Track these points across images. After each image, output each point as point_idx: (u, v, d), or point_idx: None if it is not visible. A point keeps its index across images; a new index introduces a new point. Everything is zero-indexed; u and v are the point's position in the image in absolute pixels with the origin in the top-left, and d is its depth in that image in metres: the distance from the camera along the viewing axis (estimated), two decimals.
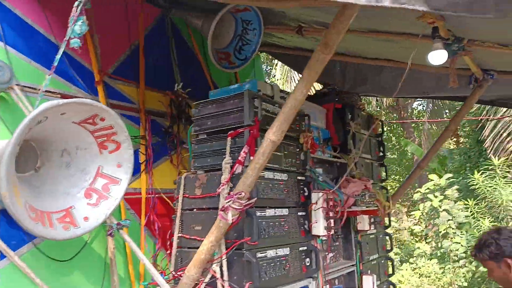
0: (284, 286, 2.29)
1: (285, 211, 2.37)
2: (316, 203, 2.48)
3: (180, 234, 2.36)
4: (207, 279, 2.09)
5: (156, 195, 3.02)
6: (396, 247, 9.98)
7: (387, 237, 3.64)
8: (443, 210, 8.00)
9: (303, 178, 2.57)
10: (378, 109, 13.68)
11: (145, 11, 3.45)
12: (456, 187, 8.57)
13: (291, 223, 2.41)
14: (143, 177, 3.11)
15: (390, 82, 4.09)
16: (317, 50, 1.72)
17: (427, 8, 1.14)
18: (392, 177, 15.64)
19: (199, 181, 2.32)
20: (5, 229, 2.17)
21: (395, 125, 17.18)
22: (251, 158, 2.14)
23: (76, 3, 1.98)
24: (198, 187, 2.32)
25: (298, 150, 2.58)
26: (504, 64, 3.18)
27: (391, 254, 3.66)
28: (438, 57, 2.29)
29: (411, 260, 9.52)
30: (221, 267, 2.08)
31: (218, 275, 2.05)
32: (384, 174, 3.70)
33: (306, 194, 2.55)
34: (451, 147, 13.79)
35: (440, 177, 8.72)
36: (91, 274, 2.59)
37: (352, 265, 3.05)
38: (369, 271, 3.05)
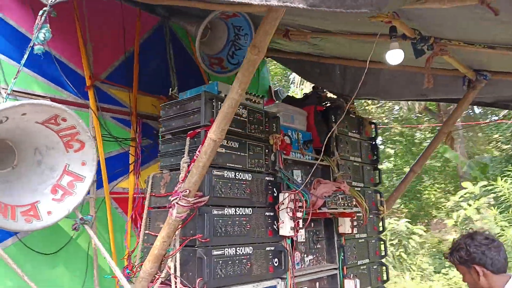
0: (246, 285, 2.30)
1: (248, 211, 2.39)
2: (283, 203, 2.47)
3: (147, 231, 2.44)
4: (163, 274, 2.15)
5: (141, 195, 3.13)
6: (428, 256, 9.59)
7: (381, 242, 3.54)
8: (477, 220, 7.65)
9: (271, 178, 2.58)
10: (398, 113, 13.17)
11: (142, 20, 3.60)
12: (492, 195, 8.16)
13: (256, 222, 2.42)
14: (131, 178, 3.25)
15: (388, 84, 4.02)
16: (248, 52, 1.75)
17: (304, 5, 1.15)
18: (435, 185, 15.07)
19: (164, 180, 2.40)
20: None
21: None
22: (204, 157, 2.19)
23: (40, 12, 2.13)
24: (163, 186, 2.39)
25: (267, 151, 2.60)
26: (498, 64, 3.04)
27: (388, 260, 3.54)
28: (395, 56, 2.24)
29: (443, 271, 9.14)
30: (175, 263, 2.14)
31: (171, 270, 2.11)
32: (377, 178, 3.60)
33: (275, 194, 2.56)
34: (495, 153, 13.13)
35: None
36: (75, 267, 2.72)
37: (335, 269, 2.99)
38: (351, 275, 2.98)
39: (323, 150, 3.12)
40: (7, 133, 2.14)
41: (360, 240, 3.29)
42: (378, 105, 13.23)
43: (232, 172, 2.34)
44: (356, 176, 3.36)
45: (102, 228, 2.98)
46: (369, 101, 12.51)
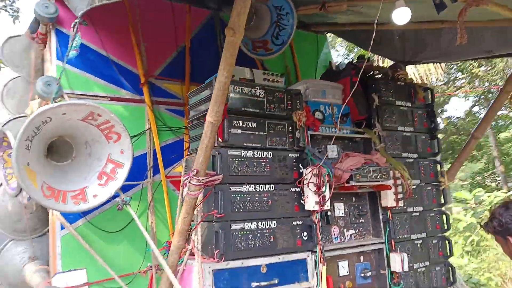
0: (271, 257, 2.41)
1: (270, 187, 2.48)
2: (306, 178, 2.50)
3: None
4: (190, 247, 2.37)
5: None
6: None
7: (444, 216, 3.30)
8: None
9: (296, 155, 2.62)
10: None
11: (192, 15, 3.86)
12: None
13: (279, 198, 2.50)
14: None
15: (450, 45, 3.67)
16: (226, 35, 1.83)
17: None
18: None
19: (193, 162, 2.61)
20: None
21: None
22: (219, 139, 2.34)
23: (72, 24, 2.47)
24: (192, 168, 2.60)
25: (291, 128, 2.64)
26: None
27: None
28: (401, 15, 2.08)
29: None
30: (198, 237, 2.34)
31: (194, 243, 2.32)
32: (436, 147, 3.35)
33: (300, 170, 2.59)
34: None
35: None
36: (136, 242, 3.10)
37: (381, 243, 2.91)
38: (398, 250, 2.87)
39: (364, 123, 3.05)
40: (59, 131, 2.55)
41: (414, 214, 3.12)
42: (487, 66, 11.79)
43: (250, 151, 2.45)
44: (407, 147, 3.18)
45: (161, 207, 3.33)
46: (475, 63, 11.27)
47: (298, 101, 2.68)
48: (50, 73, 3.15)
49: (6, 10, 10.68)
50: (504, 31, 3.13)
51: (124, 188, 3.14)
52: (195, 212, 2.38)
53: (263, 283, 2.32)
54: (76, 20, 2.51)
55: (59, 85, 2.94)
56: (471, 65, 13.40)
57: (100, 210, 3.02)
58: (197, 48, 3.86)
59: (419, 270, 3.07)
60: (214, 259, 2.22)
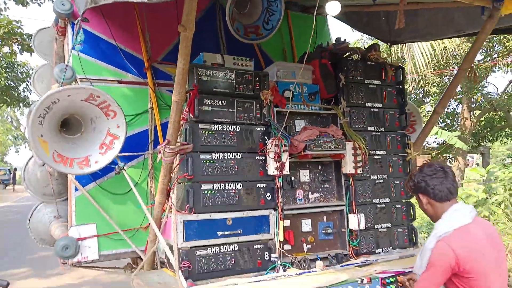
0: (236, 212, 2.90)
1: (236, 155, 2.96)
2: (268, 148, 2.95)
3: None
4: (169, 203, 2.91)
5: None
6: None
7: None
8: None
9: (263, 129, 3.07)
10: None
11: None
12: None
13: (245, 164, 2.98)
14: None
15: (427, 25, 3.93)
16: (180, 31, 2.29)
17: None
18: None
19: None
20: None
21: None
22: (191, 115, 2.83)
23: (76, 21, 3.00)
24: None
25: (258, 106, 3.08)
26: None
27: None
28: (332, 7, 2.45)
29: None
30: (174, 195, 2.87)
31: (172, 200, 2.85)
32: (404, 121, 3.66)
33: (266, 142, 3.04)
34: None
35: None
36: (138, 203, 3.67)
37: (342, 205, 3.33)
38: (357, 211, 3.27)
39: (333, 100, 3.44)
40: (69, 110, 3.12)
41: (377, 181, 3.50)
42: None
43: (219, 125, 2.92)
44: (374, 121, 3.53)
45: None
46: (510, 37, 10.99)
47: (265, 82, 3.11)
48: (68, 61, 3.73)
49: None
50: (471, 12, 3.36)
51: (129, 158, 3.75)
52: (173, 174, 2.90)
53: (227, 232, 2.82)
54: (78, 19, 3.04)
55: (73, 71, 3.50)
56: (506, 39, 13.06)
57: (108, 176, 3.62)
58: (199, 34, 4.31)
59: (380, 230, 3.46)
60: (185, 211, 2.74)
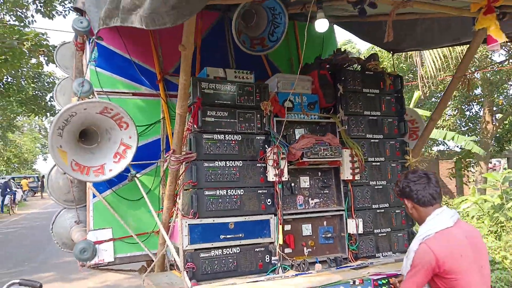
0: (238, 217, 3.09)
1: (238, 163, 3.16)
2: (267, 155, 3.14)
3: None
4: (176, 208, 3.13)
5: None
6: None
7: None
8: None
9: (263, 137, 3.26)
10: None
11: (203, 17, 4.55)
12: None
13: (246, 171, 3.17)
14: None
15: (425, 34, 4.05)
16: (180, 50, 2.51)
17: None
18: None
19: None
20: None
21: None
22: (195, 126, 3.05)
23: (90, 40, 3.27)
24: None
25: (259, 116, 3.27)
26: None
27: None
28: (321, 25, 2.63)
29: None
30: (180, 201, 3.09)
31: (178, 205, 3.07)
32: (403, 128, 3.78)
33: (266, 149, 3.23)
34: None
35: None
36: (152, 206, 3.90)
37: (341, 210, 3.48)
38: (355, 216, 3.41)
39: (332, 109, 3.60)
40: (87, 122, 3.39)
41: (376, 187, 3.63)
42: None
43: (222, 135, 3.13)
44: (372, 129, 3.67)
45: None
46: None
47: (265, 93, 3.30)
48: (86, 75, 4.01)
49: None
50: (466, 21, 3.47)
51: (143, 166, 3.99)
52: (180, 181, 3.12)
53: (229, 236, 3.02)
54: (92, 37, 3.31)
55: (90, 85, 3.76)
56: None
57: (123, 183, 3.87)
58: (208, 47, 4.55)
59: (379, 234, 3.58)
60: (189, 216, 2.95)
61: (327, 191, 3.54)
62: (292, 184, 3.36)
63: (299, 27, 5.21)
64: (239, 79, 3.33)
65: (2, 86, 15.84)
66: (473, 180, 17.59)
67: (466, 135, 21.94)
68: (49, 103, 17.25)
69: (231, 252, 3.03)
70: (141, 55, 4.24)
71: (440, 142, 22.09)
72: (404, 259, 2.46)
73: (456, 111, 20.84)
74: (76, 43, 4.23)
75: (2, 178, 31.46)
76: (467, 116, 21.69)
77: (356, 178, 3.42)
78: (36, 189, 35.88)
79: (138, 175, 3.86)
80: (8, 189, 22.77)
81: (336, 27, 5.39)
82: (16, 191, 24.63)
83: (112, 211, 3.75)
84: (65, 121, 3.16)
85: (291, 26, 4.98)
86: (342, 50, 3.97)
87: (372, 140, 3.67)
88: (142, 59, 4.25)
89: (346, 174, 3.40)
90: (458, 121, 21.42)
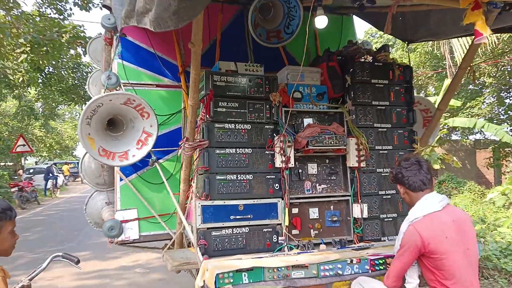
0: (247, 200, 3.35)
1: (248, 150, 3.40)
2: (275, 143, 3.37)
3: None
4: (190, 191, 3.42)
5: None
6: None
7: None
8: None
9: (272, 126, 3.49)
10: None
11: (224, 11, 4.78)
12: None
13: (255, 158, 3.41)
14: None
15: (438, 25, 4.12)
16: (190, 47, 2.75)
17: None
18: None
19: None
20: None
21: None
22: (207, 116, 3.31)
23: (115, 37, 3.58)
24: None
25: (268, 106, 3.50)
26: None
27: None
28: (320, 21, 2.80)
29: None
30: (195, 184, 3.38)
31: (192, 188, 3.36)
32: (411, 118, 3.89)
33: (274, 138, 3.46)
34: None
35: None
36: (173, 189, 4.21)
37: (347, 195, 3.67)
38: (361, 202, 3.59)
39: (341, 99, 3.77)
40: (113, 111, 3.73)
41: (383, 174, 3.78)
42: None
43: (232, 124, 3.38)
44: (381, 118, 3.81)
45: None
46: None
47: (274, 85, 3.52)
48: (113, 68, 4.34)
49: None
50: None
51: (166, 152, 4.30)
52: (194, 167, 3.41)
53: (238, 217, 3.28)
54: (117, 34, 3.62)
55: (117, 77, 4.08)
56: None
57: (147, 168, 4.20)
58: (228, 40, 4.78)
59: (385, 220, 3.75)
60: (202, 198, 3.23)
61: (335, 178, 3.73)
62: (300, 171, 3.57)
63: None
64: (249, 72, 3.55)
65: (44, 76, 16.77)
66: (511, 170, 17.10)
67: (506, 123, 21.24)
68: (87, 92, 18.04)
69: (240, 232, 3.30)
70: (164, 49, 4.52)
71: (477, 131, 21.51)
72: (396, 239, 2.65)
73: (494, 99, 20.17)
74: (105, 38, 4.55)
75: (45, 163, 33.23)
76: (507, 104, 20.95)
77: (362, 165, 3.59)
78: (77, 174, 37.56)
79: (161, 160, 4.20)
80: (50, 174, 24.06)
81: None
82: (58, 176, 25.97)
83: (137, 193, 4.09)
84: (92, 111, 3.50)
85: (310, 17, 5.12)
86: (354, 41, 4.10)
87: (380, 129, 3.81)
88: (165, 53, 4.53)
89: (352, 161, 3.57)
90: (496, 109, 20.75)
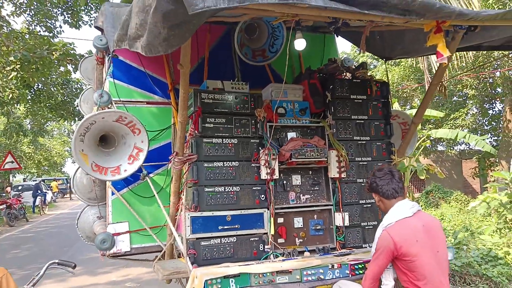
0: (234, 211, 3.53)
1: (234, 163, 3.59)
2: (260, 156, 3.57)
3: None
4: (180, 203, 3.59)
5: None
6: None
7: None
8: None
9: (257, 141, 3.69)
10: None
11: (211, 31, 5.01)
12: None
13: (242, 171, 3.60)
14: None
15: (411, 43, 4.38)
16: (179, 69, 2.96)
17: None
18: None
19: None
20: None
21: None
22: (196, 131, 3.50)
23: (107, 57, 3.78)
24: None
25: (253, 121, 3.70)
26: None
27: None
28: (300, 43, 3.03)
29: None
30: (184, 196, 3.55)
31: (182, 200, 3.53)
32: (388, 131, 4.13)
33: (260, 151, 3.66)
34: None
35: None
36: (164, 202, 4.35)
37: (330, 205, 3.87)
38: (341, 210, 3.80)
39: (322, 114, 4.00)
40: (105, 128, 3.90)
41: (363, 184, 3.99)
42: None
43: (220, 139, 3.58)
44: (360, 131, 4.05)
45: None
46: None
47: (259, 102, 3.73)
48: (105, 87, 4.52)
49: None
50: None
51: (156, 167, 4.47)
52: (183, 180, 3.58)
53: (226, 227, 3.46)
54: (109, 55, 3.82)
55: (109, 96, 4.26)
56: None
57: (138, 182, 4.36)
58: (216, 58, 5.00)
59: (366, 227, 3.95)
60: (191, 209, 3.41)
61: (318, 188, 3.94)
62: (285, 182, 3.77)
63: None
64: (235, 90, 3.77)
65: (33, 93, 16.84)
66: (495, 180, 17.50)
67: (489, 134, 21.77)
68: (77, 108, 18.14)
69: (228, 241, 3.47)
70: (154, 68, 4.72)
71: (461, 142, 22.02)
72: (373, 245, 2.85)
73: (478, 110, 20.72)
74: (97, 58, 4.75)
75: (33, 180, 32.94)
76: (490, 115, 21.52)
77: (342, 176, 3.81)
78: (65, 191, 37.31)
79: (151, 174, 4.37)
80: (39, 191, 23.90)
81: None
82: (46, 192, 25.79)
83: (128, 207, 4.24)
84: (86, 129, 3.68)
85: (293, 36, 5.37)
86: (333, 60, 4.35)
87: (359, 142, 4.04)
88: (155, 71, 4.74)
89: (333, 172, 3.78)
90: (480, 120, 21.30)
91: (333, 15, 2.54)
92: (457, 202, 16.24)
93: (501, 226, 7.85)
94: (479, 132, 20.63)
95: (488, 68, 15.28)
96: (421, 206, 15.53)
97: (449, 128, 16.85)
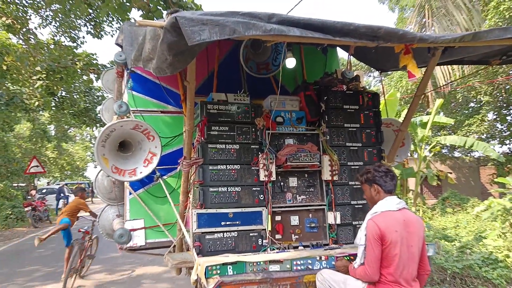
0: (236, 208, 3.97)
1: (236, 166, 4.05)
2: (259, 160, 4.01)
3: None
4: (188, 201, 4.06)
5: None
6: None
7: None
8: None
9: (257, 146, 4.13)
10: None
11: (220, 46, 5.49)
12: None
13: (243, 173, 4.05)
14: None
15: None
16: (186, 84, 3.43)
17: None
18: None
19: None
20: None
21: None
22: (202, 138, 3.97)
23: (125, 72, 4.30)
24: None
25: (254, 129, 4.15)
26: None
27: None
28: (290, 62, 3.47)
29: None
30: (192, 195, 4.02)
31: (189, 199, 3.99)
32: (379, 137, 4.51)
33: (259, 156, 4.10)
34: None
35: None
36: (175, 202, 4.80)
37: (323, 205, 4.28)
38: (334, 210, 4.20)
39: (317, 123, 4.42)
40: (123, 135, 4.41)
41: (355, 186, 4.38)
42: None
43: (223, 145, 4.04)
44: (352, 138, 4.44)
45: None
46: None
47: (259, 111, 4.18)
48: (124, 98, 5.03)
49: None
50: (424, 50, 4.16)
51: (169, 170, 4.95)
52: (191, 181, 4.05)
53: (228, 223, 3.90)
54: (127, 71, 4.33)
55: (127, 106, 4.77)
56: None
57: (153, 184, 4.85)
58: (224, 70, 5.47)
59: (357, 226, 4.33)
60: (197, 207, 3.87)
61: (312, 189, 4.35)
62: (282, 184, 4.20)
63: (304, 51, 6.03)
64: (237, 101, 4.22)
65: (57, 100, 17.70)
66: None
67: (508, 141, 21.62)
68: (98, 115, 18.94)
69: (230, 235, 3.91)
70: (168, 80, 5.22)
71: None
72: (358, 231, 3.21)
73: (494, 117, 20.65)
74: (117, 71, 5.27)
75: (57, 184, 34.05)
76: (508, 120, 21.41)
77: (335, 178, 4.21)
78: (87, 195, 38.27)
79: (165, 176, 4.85)
80: (62, 194, 24.81)
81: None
82: (69, 195, 26.70)
83: (144, 206, 4.73)
84: (107, 136, 4.18)
85: (297, 49, 5.81)
86: (328, 73, 4.77)
87: (351, 148, 4.43)
88: (169, 83, 5.24)
89: (326, 175, 4.19)
90: (497, 126, 21.19)
91: (312, 41, 2.95)
92: (473, 208, 16.20)
93: (505, 230, 8.06)
94: (498, 138, 20.53)
95: (501, 75, 15.37)
96: (438, 212, 15.61)
97: (463, 135, 16.93)
